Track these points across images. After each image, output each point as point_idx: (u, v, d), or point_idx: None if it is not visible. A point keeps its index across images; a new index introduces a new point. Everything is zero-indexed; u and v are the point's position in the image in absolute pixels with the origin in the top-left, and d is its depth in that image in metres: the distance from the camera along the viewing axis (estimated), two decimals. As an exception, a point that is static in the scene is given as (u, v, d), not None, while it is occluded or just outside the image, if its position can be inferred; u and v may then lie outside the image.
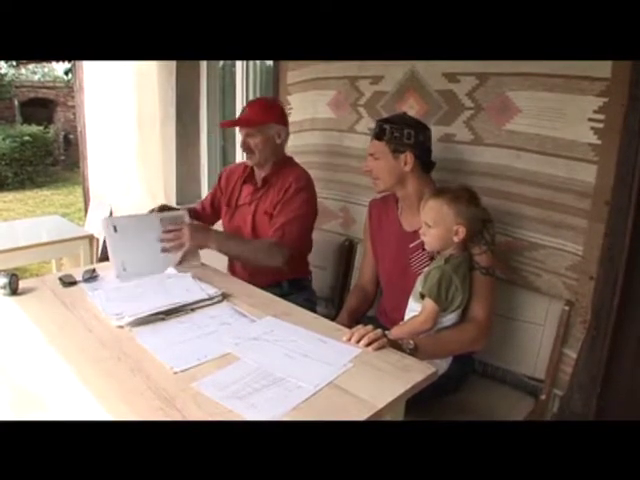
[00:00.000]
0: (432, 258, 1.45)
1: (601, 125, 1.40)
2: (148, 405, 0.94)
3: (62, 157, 11.19)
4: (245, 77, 2.97)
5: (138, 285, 1.51)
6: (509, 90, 1.57)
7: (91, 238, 2.86)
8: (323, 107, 2.25)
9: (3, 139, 9.00)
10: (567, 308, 1.52)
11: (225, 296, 1.46)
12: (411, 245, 1.54)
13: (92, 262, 2.74)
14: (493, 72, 1.59)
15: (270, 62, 2.67)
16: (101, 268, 1.67)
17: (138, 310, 1.29)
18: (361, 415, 0.90)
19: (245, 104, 2.01)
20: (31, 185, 9.24)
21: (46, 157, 9.95)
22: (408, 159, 1.49)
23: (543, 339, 1.55)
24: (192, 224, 1.70)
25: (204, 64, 3.27)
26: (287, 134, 1.90)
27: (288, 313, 1.37)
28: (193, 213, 2.06)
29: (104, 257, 2.03)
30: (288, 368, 1.05)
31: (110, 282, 1.56)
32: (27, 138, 9.31)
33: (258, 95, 2.98)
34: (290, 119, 2.42)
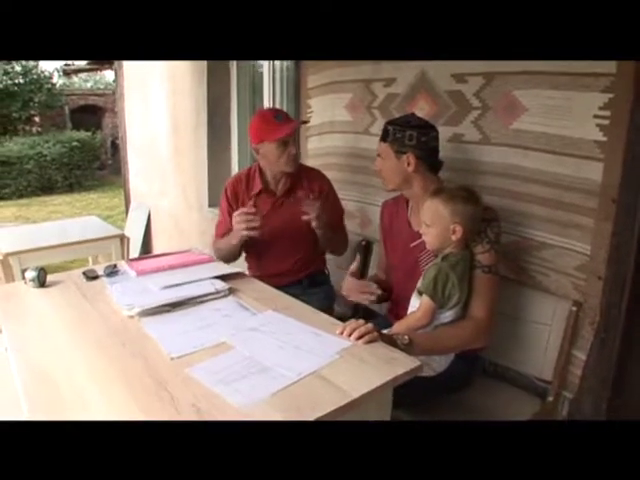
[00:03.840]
0: (437, 256, 1.46)
1: (607, 122, 1.37)
2: (142, 386, 1.01)
3: (109, 161, 11.72)
4: (272, 81, 3.02)
5: (155, 282, 1.56)
6: (515, 89, 1.56)
7: (122, 237, 3.03)
8: (340, 110, 2.29)
9: (53, 145, 9.54)
10: (575, 309, 1.49)
11: (232, 291, 1.52)
12: (415, 244, 1.55)
13: (123, 258, 2.89)
14: (499, 71, 1.59)
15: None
16: (122, 264, 1.77)
17: (147, 302, 1.38)
18: (336, 403, 0.93)
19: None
20: (79, 188, 9.74)
21: (93, 161, 10.47)
22: (410, 160, 1.51)
23: (550, 340, 1.53)
24: None
25: (234, 69, 3.35)
26: None
27: (288, 307, 1.41)
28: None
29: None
30: (277, 358, 1.10)
31: (129, 277, 1.65)
32: (76, 143, 9.83)
33: (285, 99, 3.04)
34: (311, 122, 2.48)
